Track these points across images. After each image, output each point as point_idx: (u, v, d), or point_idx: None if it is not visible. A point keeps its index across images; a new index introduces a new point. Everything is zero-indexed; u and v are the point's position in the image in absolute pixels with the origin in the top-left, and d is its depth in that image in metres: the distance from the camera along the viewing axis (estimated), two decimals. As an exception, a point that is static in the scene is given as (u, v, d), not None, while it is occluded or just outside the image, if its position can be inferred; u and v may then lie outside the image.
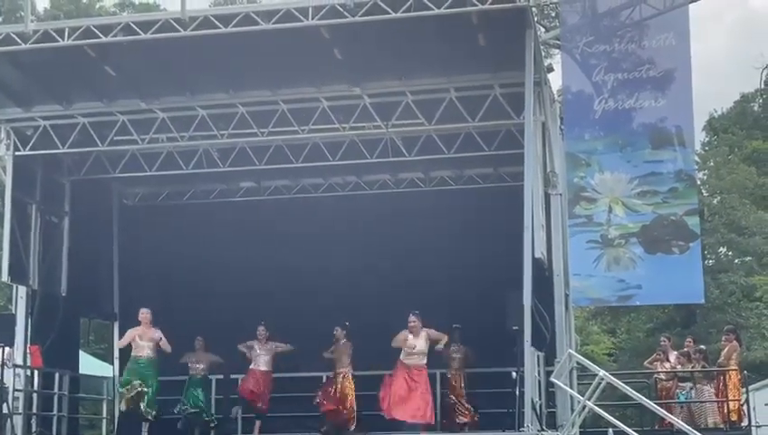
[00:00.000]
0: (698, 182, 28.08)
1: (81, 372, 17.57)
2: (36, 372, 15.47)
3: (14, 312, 15.78)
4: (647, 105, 14.77)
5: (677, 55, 14.80)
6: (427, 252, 17.26)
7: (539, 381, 13.33)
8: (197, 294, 17.70)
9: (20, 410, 14.91)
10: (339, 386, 15.09)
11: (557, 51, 20.80)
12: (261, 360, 15.70)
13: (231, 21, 13.03)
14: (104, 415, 17.99)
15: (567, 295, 14.41)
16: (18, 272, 15.52)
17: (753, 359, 27.72)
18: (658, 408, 13.51)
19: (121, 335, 16.24)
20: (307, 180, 18.29)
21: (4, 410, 14.26)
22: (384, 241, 17.44)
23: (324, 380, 15.65)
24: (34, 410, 15.36)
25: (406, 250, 17.34)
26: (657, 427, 15.92)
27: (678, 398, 16.24)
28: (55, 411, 15.75)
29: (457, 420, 15.50)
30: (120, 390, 15.32)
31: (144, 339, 15.02)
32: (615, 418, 12.88)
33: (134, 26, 13.31)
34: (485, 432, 14.68)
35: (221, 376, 16.57)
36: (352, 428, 15.05)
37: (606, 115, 14.85)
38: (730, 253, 34.67)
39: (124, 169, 16.60)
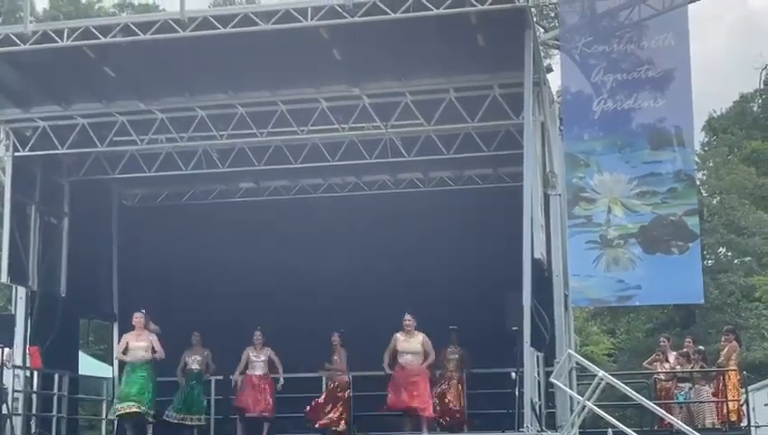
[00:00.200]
0: (698, 182, 27.98)
1: (80, 372, 17.56)
2: (36, 373, 15.47)
3: (13, 312, 15.79)
4: (646, 105, 14.73)
5: (677, 56, 14.77)
6: (427, 253, 17.25)
7: (538, 382, 13.32)
8: (197, 294, 17.67)
9: (19, 411, 14.94)
10: (334, 395, 15.02)
11: (556, 51, 20.84)
12: (257, 365, 15.64)
13: (230, 21, 13.03)
14: (104, 416, 17.95)
15: (566, 296, 14.39)
16: (18, 273, 15.54)
17: (752, 359, 27.67)
18: (658, 408, 13.50)
19: (121, 335, 16.19)
20: (306, 181, 18.28)
21: (4, 411, 14.23)
22: (383, 242, 17.43)
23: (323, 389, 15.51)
24: (34, 411, 15.38)
25: (405, 251, 17.33)
26: (656, 427, 15.92)
27: (677, 398, 16.25)
28: (55, 412, 15.75)
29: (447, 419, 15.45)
30: (117, 405, 15.12)
31: (139, 341, 14.97)
32: (614, 418, 12.84)
33: (133, 27, 13.31)
34: (485, 432, 14.68)
35: (221, 377, 16.55)
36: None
37: (605, 115, 14.81)
38: (729, 253, 34.64)
39: (123, 170, 16.61)
